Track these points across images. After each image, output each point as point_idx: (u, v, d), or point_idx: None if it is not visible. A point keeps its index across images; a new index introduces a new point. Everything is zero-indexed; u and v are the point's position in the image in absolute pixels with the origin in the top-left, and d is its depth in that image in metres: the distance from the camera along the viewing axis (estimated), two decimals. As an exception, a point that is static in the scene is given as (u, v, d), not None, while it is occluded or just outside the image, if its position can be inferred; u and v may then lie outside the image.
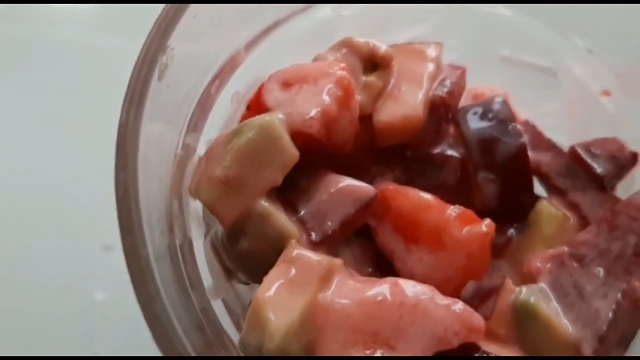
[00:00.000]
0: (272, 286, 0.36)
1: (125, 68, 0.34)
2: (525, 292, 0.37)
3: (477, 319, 0.35)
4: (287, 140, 0.39)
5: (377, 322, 0.35)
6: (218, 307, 0.42)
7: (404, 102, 0.45)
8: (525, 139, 0.44)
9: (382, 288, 0.36)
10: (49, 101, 0.64)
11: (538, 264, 0.39)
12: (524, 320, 0.37)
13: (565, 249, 0.39)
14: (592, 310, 0.37)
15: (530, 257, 0.40)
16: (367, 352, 0.34)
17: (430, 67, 0.47)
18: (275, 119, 0.39)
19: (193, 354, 0.30)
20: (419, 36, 0.50)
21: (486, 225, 0.40)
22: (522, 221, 0.45)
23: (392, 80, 0.46)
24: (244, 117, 0.45)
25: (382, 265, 0.43)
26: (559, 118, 0.48)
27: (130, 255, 0.30)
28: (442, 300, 0.35)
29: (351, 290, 0.36)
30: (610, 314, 0.36)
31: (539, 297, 0.37)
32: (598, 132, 0.45)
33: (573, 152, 0.44)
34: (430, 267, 0.41)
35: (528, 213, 0.44)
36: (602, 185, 0.43)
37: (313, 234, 0.40)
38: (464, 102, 0.50)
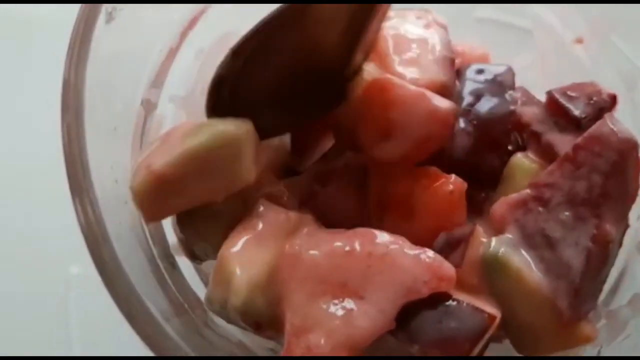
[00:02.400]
0: (238, 241, 0.35)
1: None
2: (494, 244, 0.37)
3: (447, 267, 0.34)
4: (247, 160, 0.35)
5: (345, 272, 0.34)
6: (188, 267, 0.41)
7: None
8: (516, 107, 0.42)
9: (351, 238, 0.35)
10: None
11: (503, 213, 0.38)
12: (495, 272, 0.36)
13: (529, 191, 0.37)
14: (564, 261, 0.35)
15: (494, 207, 0.38)
16: (335, 302, 0.34)
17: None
18: (242, 132, 0.35)
19: (143, 298, 0.29)
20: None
21: (452, 182, 0.39)
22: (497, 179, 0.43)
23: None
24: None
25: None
26: (534, 72, 0.47)
27: (74, 190, 0.29)
28: (412, 249, 0.35)
29: (319, 241, 0.35)
30: (583, 264, 0.35)
31: (509, 248, 0.36)
32: (573, 83, 0.44)
33: (550, 97, 0.42)
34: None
35: (497, 175, 0.42)
36: (580, 127, 0.40)
37: None
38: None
